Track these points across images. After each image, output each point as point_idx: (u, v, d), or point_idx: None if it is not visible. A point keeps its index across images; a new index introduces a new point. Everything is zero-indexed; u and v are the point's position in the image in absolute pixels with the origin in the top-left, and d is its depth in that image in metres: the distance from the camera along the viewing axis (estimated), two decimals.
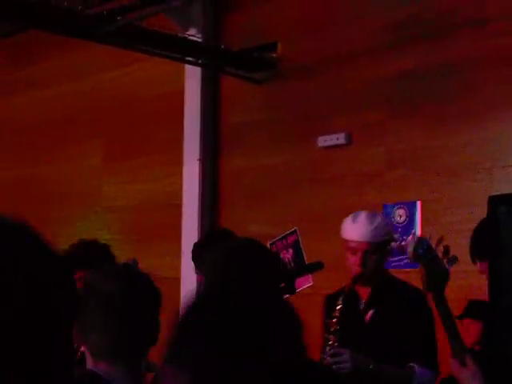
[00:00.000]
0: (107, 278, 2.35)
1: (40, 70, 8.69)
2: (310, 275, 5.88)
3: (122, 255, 4.88)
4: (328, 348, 3.84)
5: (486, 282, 3.14)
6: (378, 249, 3.96)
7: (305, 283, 6.01)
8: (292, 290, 3.14)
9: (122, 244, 7.10)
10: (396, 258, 5.78)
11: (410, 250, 3.02)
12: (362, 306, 4.03)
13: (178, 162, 7.15)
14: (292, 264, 6.42)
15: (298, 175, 6.52)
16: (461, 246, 5.44)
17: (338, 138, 6.26)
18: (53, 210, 8.39)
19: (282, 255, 6.45)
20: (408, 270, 5.08)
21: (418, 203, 5.79)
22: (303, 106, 6.56)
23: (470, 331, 4.85)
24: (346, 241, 4.01)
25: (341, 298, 3.93)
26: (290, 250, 6.50)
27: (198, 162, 7.02)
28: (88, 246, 4.58)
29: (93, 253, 4.49)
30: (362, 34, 6.23)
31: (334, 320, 3.89)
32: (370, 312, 3.99)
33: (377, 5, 6.17)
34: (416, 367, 3.80)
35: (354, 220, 3.99)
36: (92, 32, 5.79)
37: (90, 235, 7.62)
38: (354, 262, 3.96)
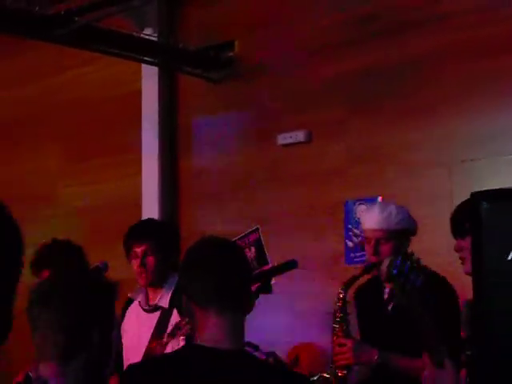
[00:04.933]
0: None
1: None
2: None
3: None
4: (334, 338, 3.81)
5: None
6: (393, 237, 3.88)
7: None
8: (268, 289, 3.14)
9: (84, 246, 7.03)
10: (358, 254, 5.84)
11: (383, 270, 3.04)
12: (385, 296, 3.98)
13: (137, 162, 7.10)
14: (254, 263, 6.41)
15: (258, 173, 6.53)
16: (423, 241, 5.53)
17: (297, 136, 6.28)
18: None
19: None
20: None
21: (379, 199, 5.83)
22: (262, 105, 6.56)
23: None
24: (364, 230, 3.99)
25: (341, 288, 3.88)
26: (253, 249, 6.48)
27: (156, 162, 6.99)
28: (61, 246, 4.55)
29: (64, 253, 4.47)
30: (319, 32, 6.26)
31: (338, 307, 3.85)
32: (392, 304, 3.94)
33: (334, 2, 6.20)
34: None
35: (367, 209, 3.98)
36: (48, 33, 5.72)
37: (49, 238, 7.57)
38: (368, 251, 3.92)
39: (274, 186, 6.43)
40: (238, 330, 2.49)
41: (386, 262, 3.04)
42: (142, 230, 4.43)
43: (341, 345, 3.77)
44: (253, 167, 6.57)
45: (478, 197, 2.21)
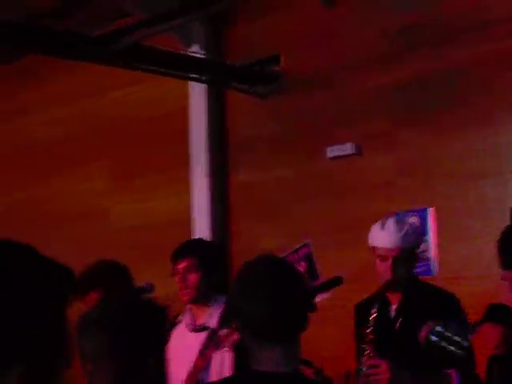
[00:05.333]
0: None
1: (42, 93, 8.67)
2: None
3: (133, 275, 4.86)
4: (364, 359, 3.79)
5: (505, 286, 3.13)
6: (408, 254, 3.91)
7: (322, 295, 5.97)
8: (312, 308, 3.10)
9: (132, 263, 7.05)
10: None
11: (422, 335, 3.04)
12: (392, 313, 3.98)
13: (187, 179, 7.13)
14: (305, 277, 6.38)
15: (308, 187, 6.50)
16: (476, 252, 5.46)
17: (345, 149, 6.25)
18: (59, 232, 8.37)
19: None
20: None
21: (430, 210, 5.77)
22: (309, 118, 6.55)
23: (490, 335, 4.82)
24: (375, 248, 3.96)
25: (375, 307, 3.87)
26: (303, 264, 6.47)
27: (206, 179, 7.01)
28: (108, 267, 4.55)
29: (110, 274, 4.48)
30: (364, 44, 6.23)
31: (369, 329, 3.84)
32: (400, 319, 3.94)
33: (377, 14, 6.16)
34: (454, 374, 3.68)
35: (382, 227, 3.93)
36: (94, 54, 5.78)
37: (100, 255, 7.64)
38: (384, 269, 3.92)
39: (324, 199, 6.40)
40: (293, 353, 2.46)
41: (424, 329, 3.05)
42: (184, 247, 4.44)
43: (375, 366, 3.75)
44: (302, 181, 6.55)
45: None
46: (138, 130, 7.73)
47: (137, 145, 7.74)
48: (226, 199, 7.06)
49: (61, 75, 8.25)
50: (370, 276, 5.97)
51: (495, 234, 3.61)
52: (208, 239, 6.94)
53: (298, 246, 6.50)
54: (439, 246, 5.70)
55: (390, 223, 3.93)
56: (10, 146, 9.09)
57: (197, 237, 7.03)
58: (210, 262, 4.32)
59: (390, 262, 3.88)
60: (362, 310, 4.08)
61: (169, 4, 5.71)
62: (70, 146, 8.34)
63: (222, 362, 4.08)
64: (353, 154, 6.21)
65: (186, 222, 7.10)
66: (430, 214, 5.76)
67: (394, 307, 3.98)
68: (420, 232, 4.10)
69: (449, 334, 3.10)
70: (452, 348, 3.04)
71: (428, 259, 5.69)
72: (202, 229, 6.99)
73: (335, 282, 3.46)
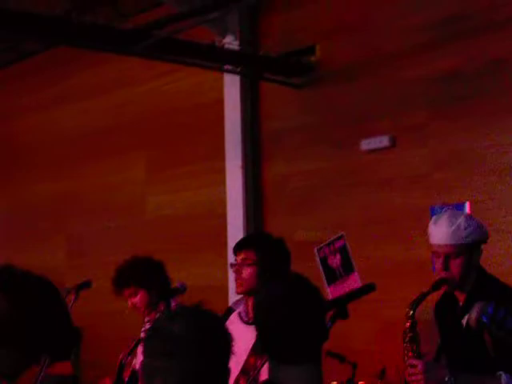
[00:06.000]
0: (174, 321, 2.25)
1: (77, 84, 8.71)
2: (358, 276, 5.81)
3: (169, 265, 4.87)
4: (405, 358, 3.74)
5: None
6: (463, 251, 3.74)
7: (353, 285, 5.94)
8: (345, 315, 3.06)
9: (168, 253, 7.07)
10: None
11: (472, 317, 2.95)
12: (459, 311, 3.84)
13: (221, 170, 7.12)
14: (340, 270, 6.35)
15: (342, 179, 6.46)
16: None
17: (381, 141, 6.19)
18: (97, 221, 8.42)
19: (329, 261, 6.38)
20: None
21: (467, 204, 5.69)
22: (344, 110, 6.49)
23: None
24: (432, 245, 3.87)
25: (411, 306, 3.79)
26: (338, 256, 6.41)
27: (240, 170, 6.99)
28: (141, 263, 4.56)
29: (146, 270, 4.48)
30: (400, 35, 6.15)
31: (407, 326, 3.76)
32: (466, 317, 3.83)
33: (415, 4, 6.08)
34: (503, 375, 3.54)
35: (435, 223, 3.83)
36: (130, 47, 5.78)
37: (136, 246, 7.69)
38: (438, 267, 3.78)
39: (358, 191, 6.35)
40: (316, 377, 2.44)
41: (475, 310, 2.97)
42: (244, 240, 4.38)
43: (412, 366, 3.68)
44: (337, 173, 6.50)
45: None
46: (173, 121, 7.73)
47: (172, 136, 7.75)
48: (261, 191, 7.04)
49: (97, 66, 8.27)
50: (405, 270, 5.97)
51: None
52: (242, 231, 6.96)
53: (332, 238, 6.46)
54: None
55: (443, 219, 3.80)
56: (43, 139, 9.15)
57: (231, 228, 7.06)
58: (268, 257, 4.26)
59: (442, 258, 3.75)
60: (440, 308, 3.99)
61: None
62: (106, 137, 8.38)
63: None
64: (388, 147, 6.15)
65: (222, 213, 7.10)
66: (467, 208, 5.68)
67: (460, 306, 3.83)
68: (478, 227, 3.79)
69: (499, 317, 3.02)
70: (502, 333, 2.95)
71: None
72: (236, 221, 6.98)
73: (368, 289, 3.40)
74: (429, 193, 5.89)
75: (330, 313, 2.97)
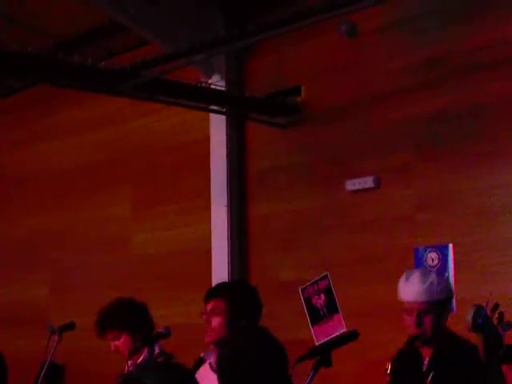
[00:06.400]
0: (146, 374, 2.28)
1: (65, 119, 8.74)
2: (342, 318, 5.82)
3: (153, 303, 4.86)
4: None
5: None
6: (434, 308, 3.80)
7: (338, 329, 5.94)
8: (328, 363, 3.07)
9: (152, 292, 7.09)
10: None
11: (468, 319, 2.99)
12: (424, 368, 3.88)
13: (206, 209, 7.14)
14: (324, 310, 6.35)
15: (327, 219, 6.48)
16: (496, 289, 5.39)
17: (366, 182, 6.23)
18: (82, 257, 8.41)
19: (313, 301, 6.39)
20: None
21: (450, 246, 5.73)
22: (329, 150, 6.53)
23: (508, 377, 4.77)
24: (403, 302, 3.88)
25: (390, 362, 3.80)
26: (322, 296, 6.43)
27: (225, 209, 7.01)
28: (125, 306, 4.55)
29: (130, 313, 4.47)
30: (385, 77, 6.21)
31: (386, 382, 3.77)
32: (431, 374, 3.85)
33: (400, 46, 6.15)
34: None
35: (406, 279, 3.87)
36: (117, 86, 5.81)
37: (121, 283, 7.67)
38: (409, 323, 3.81)
39: (343, 231, 6.38)
40: None
41: (470, 312, 3.03)
42: (215, 289, 4.36)
43: None
44: (321, 213, 6.53)
45: None
46: (159, 159, 7.76)
47: (158, 173, 7.77)
48: (246, 230, 7.06)
49: (84, 102, 8.30)
50: (389, 310, 5.98)
51: None
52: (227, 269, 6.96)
53: (316, 278, 6.48)
54: (458, 282, 5.65)
55: (414, 276, 3.85)
56: (32, 173, 9.15)
57: (216, 266, 7.06)
58: (238, 307, 4.23)
59: (414, 315, 3.79)
60: (395, 363, 4.00)
61: (191, 38, 5.73)
62: (92, 172, 8.39)
63: None
64: (373, 188, 6.19)
65: (207, 251, 7.11)
66: (450, 249, 5.72)
67: (425, 362, 3.88)
68: (448, 284, 3.93)
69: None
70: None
71: None
72: (220, 259, 6.99)
73: (351, 336, 3.41)
74: (413, 234, 5.93)
75: (314, 360, 2.99)
